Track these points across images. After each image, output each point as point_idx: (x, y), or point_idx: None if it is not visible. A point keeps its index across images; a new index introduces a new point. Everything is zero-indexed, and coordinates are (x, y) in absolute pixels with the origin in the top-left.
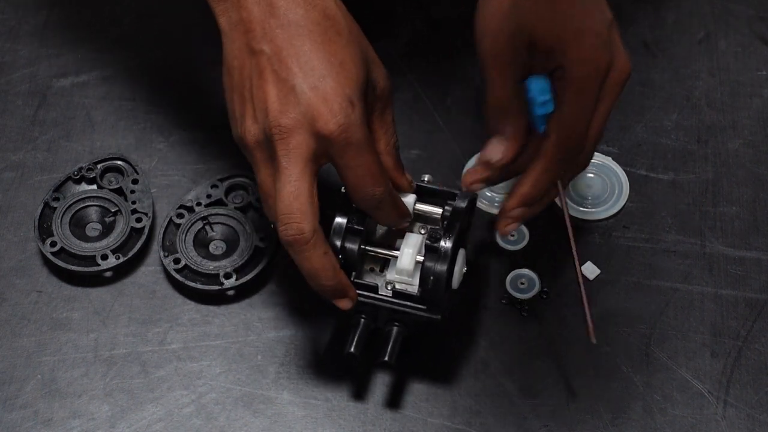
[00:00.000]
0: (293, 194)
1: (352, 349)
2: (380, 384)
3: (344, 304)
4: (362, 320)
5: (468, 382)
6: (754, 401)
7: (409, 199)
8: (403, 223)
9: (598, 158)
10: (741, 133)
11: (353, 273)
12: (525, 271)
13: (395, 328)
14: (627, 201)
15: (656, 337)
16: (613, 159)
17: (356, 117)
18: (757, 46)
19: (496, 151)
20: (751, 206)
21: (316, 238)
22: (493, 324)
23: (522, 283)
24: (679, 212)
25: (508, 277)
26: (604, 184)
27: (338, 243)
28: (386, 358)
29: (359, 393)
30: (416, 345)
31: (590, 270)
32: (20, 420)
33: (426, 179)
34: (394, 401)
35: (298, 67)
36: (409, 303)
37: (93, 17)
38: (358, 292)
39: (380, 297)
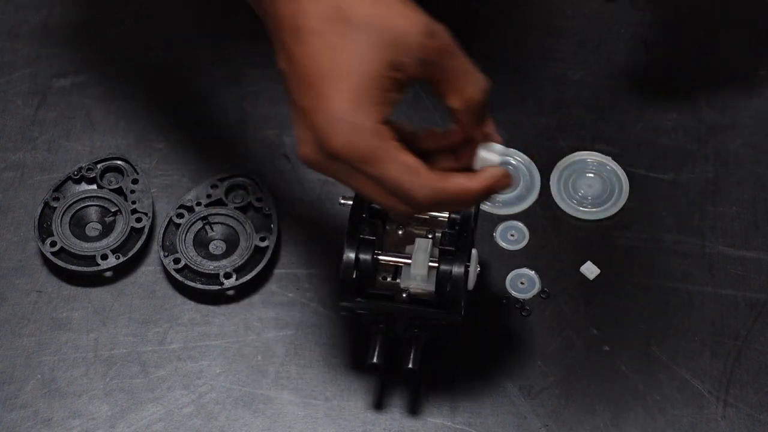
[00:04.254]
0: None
1: (374, 360)
2: (380, 385)
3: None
4: (381, 329)
5: (468, 382)
6: (754, 401)
7: (493, 157)
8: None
9: (598, 158)
10: (741, 133)
11: (368, 284)
12: (525, 271)
13: (415, 335)
14: (627, 201)
15: (656, 337)
16: (613, 159)
17: (355, 132)
18: (757, 46)
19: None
20: (751, 206)
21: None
22: (493, 324)
23: (522, 283)
24: (679, 212)
25: (508, 277)
26: (604, 184)
27: (352, 255)
28: (410, 365)
29: (359, 393)
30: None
31: (590, 270)
32: (20, 420)
33: None
34: (394, 401)
35: (302, 86)
36: (427, 308)
37: (93, 17)
38: (374, 302)
39: (398, 305)
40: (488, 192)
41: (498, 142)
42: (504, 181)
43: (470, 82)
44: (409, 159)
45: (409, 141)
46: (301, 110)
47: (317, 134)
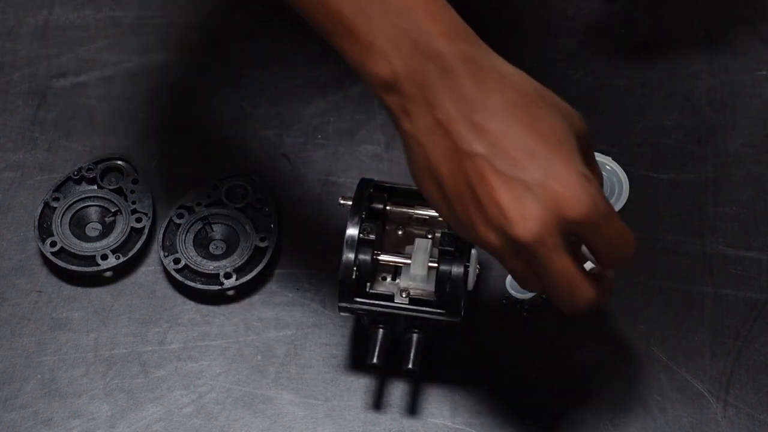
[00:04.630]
0: (568, 278)
1: (374, 361)
2: (380, 385)
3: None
4: (380, 330)
5: (468, 382)
6: (754, 401)
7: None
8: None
9: (598, 158)
10: (741, 133)
11: (368, 284)
12: None
13: (415, 335)
14: (627, 201)
15: (656, 337)
16: (613, 159)
17: (595, 187)
18: (757, 46)
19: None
20: (751, 206)
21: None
22: (493, 324)
23: None
24: (679, 212)
25: (508, 277)
26: (604, 184)
27: (351, 256)
28: (410, 366)
29: (359, 393)
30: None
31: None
32: (20, 420)
33: None
34: (394, 401)
35: (522, 159)
36: (427, 308)
37: (93, 17)
38: (374, 302)
39: (398, 305)
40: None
41: None
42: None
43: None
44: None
45: None
46: (524, 183)
47: (555, 202)
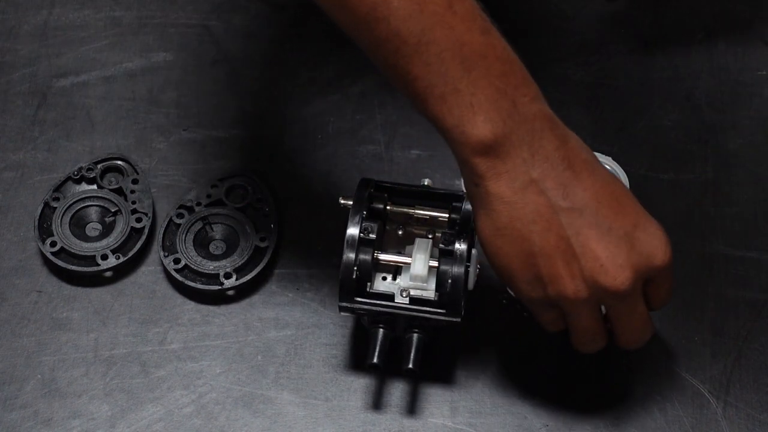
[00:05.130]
0: (644, 322)
1: (375, 360)
2: (380, 384)
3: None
4: (381, 330)
5: (468, 382)
6: (754, 401)
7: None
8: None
9: (598, 158)
10: (741, 133)
11: (368, 284)
12: None
13: (415, 335)
14: None
15: (656, 337)
16: (613, 159)
17: (668, 238)
18: (757, 46)
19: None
20: (751, 206)
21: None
22: (493, 324)
23: None
24: (679, 212)
25: None
26: None
27: (352, 256)
28: (410, 366)
29: (359, 393)
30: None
31: None
32: (20, 420)
33: (426, 182)
34: (394, 401)
35: (613, 212)
36: (427, 308)
37: (93, 17)
38: (374, 302)
39: (398, 305)
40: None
41: None
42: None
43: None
44: None
45: None
46: (617, 235)
47: (644, 252)
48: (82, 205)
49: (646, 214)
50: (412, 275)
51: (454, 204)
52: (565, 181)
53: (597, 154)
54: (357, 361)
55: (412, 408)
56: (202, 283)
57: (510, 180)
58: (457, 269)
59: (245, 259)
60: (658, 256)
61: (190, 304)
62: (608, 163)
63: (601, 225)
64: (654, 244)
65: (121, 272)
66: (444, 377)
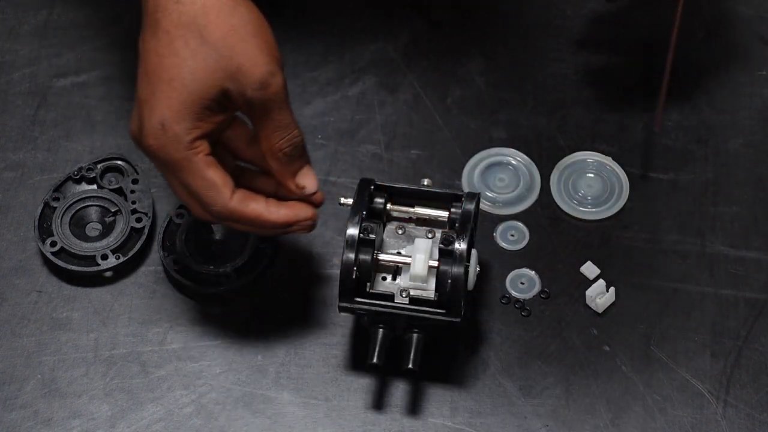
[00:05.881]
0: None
1: (374, 360)
2: (380, 384)
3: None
4: (380, 330)
5: (468, 382)
6: (754, 401)
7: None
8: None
9: (598, 158)
10: (741, 133)
11: (368, 284)
12: (525, 271)
13: (415, 335)
14: (627, 201)
15: (656, 337)
16: (613, 159)
17: (167, 139)
18: (757, 46)
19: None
20: (751, 206)
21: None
22: (493, 324)
23: (522, 283)
24: (679, 212)
25: (508, 277)
26: (604, 184)
27: (351, 256)
28: (410, 366)
29: (359, 393)
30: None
31: (590, 270)
32: (20, 420)
33: (426, 182)
34: (394, 402)
35: (143, 75)
36: (427, 308)
37: (93, 17)
38: (374, 302)
39: (398, 305)
40: (284, 227)
41: (317, 200)
42: (305, 224)
43: (283, 136)
44: (213, 175)
45: (238, 174)
46: (137, 95)
47: (140, 123)
48: (82, 205)
49: (168, 108)
50: (412, 275)
51: (453, 204)
52: (142, 29)
53: (597, 154)
54: (357, 361)
55: (412, 408)
56: (202, 283)
57: None
58: (456, 269)
59: (245, 259)
60: (144, 138)
61: (190, 304)
62: (608, 163)
63: (137, 76)
64: (144, 127)
65: (121, 272)
66: (444, 377)
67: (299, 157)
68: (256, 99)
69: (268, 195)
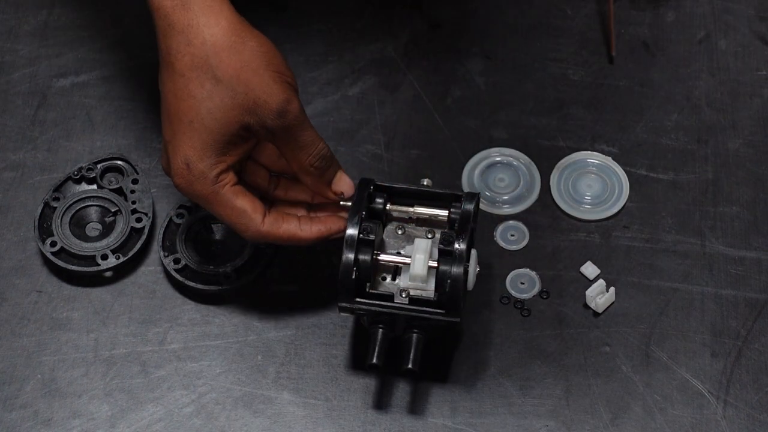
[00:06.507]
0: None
1: (374, 360)
2: (380, 384)
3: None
4: (380, 330)
5: (468, 382)
6: (754, 401)
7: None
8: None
9: (598, 158)
10: (741, 133)
11: (368, 284)
12: (525, 271)
13: (415, 335)
14: (627, 201)
15: (656, 337)
16: (613, 159)
17: (193, 177)
18: (757, 46)
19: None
20: (751, 206)
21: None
22: (493, 324)
23: (522, 283)
24: (679, 212)
25: (508, 277)
26: (604, 184)
27: (351, 256)
28: (410, 366)
29: (359, 393)
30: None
31: (590, 270)
32: (20, 420)
33: (425, 183)
34: (394, 401)
35: (165, 117)
36: (427, 308)
37: (93, 17)
38: (374, 302)
39: (398, 305)
40: (319, 240)
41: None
42: (338, 232)
43: (310, 153)
44: (242, 204)
45: (264, 190)
46: (163, 134)
47: (167, 161)
48: (82, 205)
49: (191, 147)
50: (412, 275)
51: (453, 204)
52: (161, 71)
53: (597, 154)
54: (357, 361)
55: (412, 408)
56: (202, 283)
57: None
58: (456, 269)
59: (245, 259)
60: (173, 177)
61: (190, 304)
62: (608, 163)
63: (162, 118)
64: (172, 166)
65: (121, 272)
66: (444, 377)
67: (329, 166)
68: (277, 127)
69: (305, 202)
